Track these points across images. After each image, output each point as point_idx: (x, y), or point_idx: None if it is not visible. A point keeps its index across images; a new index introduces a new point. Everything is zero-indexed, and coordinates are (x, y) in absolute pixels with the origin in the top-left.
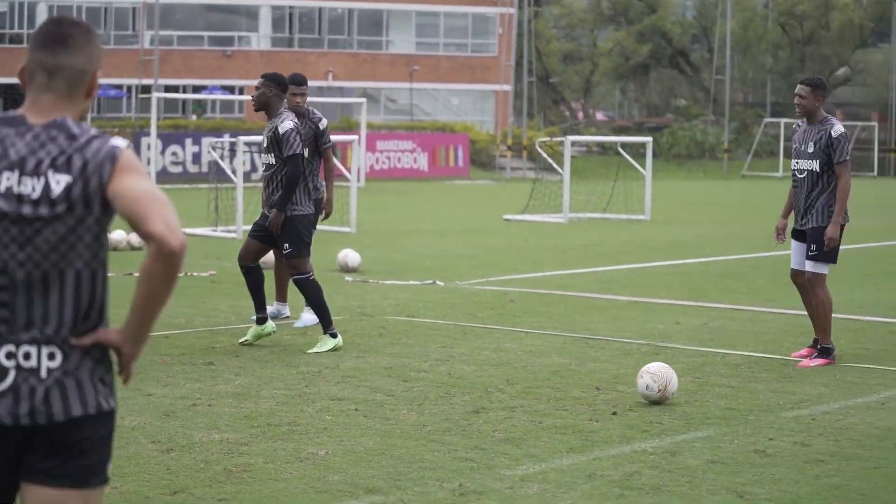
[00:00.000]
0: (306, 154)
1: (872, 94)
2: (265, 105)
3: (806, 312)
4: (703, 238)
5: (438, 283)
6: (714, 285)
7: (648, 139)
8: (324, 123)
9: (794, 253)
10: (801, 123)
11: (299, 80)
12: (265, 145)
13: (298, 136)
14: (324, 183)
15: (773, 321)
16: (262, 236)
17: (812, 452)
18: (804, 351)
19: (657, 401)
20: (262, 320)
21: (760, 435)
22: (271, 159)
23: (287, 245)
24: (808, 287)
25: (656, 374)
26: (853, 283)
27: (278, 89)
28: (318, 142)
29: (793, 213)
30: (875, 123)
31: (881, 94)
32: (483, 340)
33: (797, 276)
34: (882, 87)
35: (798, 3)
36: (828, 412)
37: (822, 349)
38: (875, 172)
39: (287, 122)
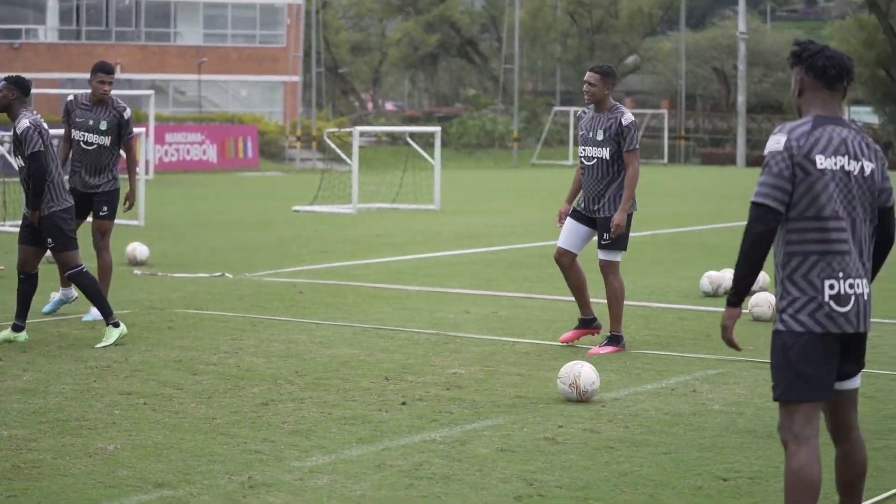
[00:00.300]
0: (107, 143)
1: (662, 82)
2: (7, 107)
3: (572, 287)
4: (492, 227)
5: (228, 275)
6: (503, 274)
7: (437, 129)
8: (128, 113)
9: (566, 232)
10: (587, 110)
11: (108, 69)
12: (12, 148)
13: (37, 134)
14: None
15: (563, 309)
16: (31, 238)
17: (602, 439)
18: (573, 333)
19: (578, 399)
20: (17, 328)
21: (550, 423)
22: (20, 161)
23: (50, 241)
24: (574, 263)
25: (562, 374)
26: (643, 271)
27: (20, 92)
28: (121, 131)
29: (578, 197)
30: (665, 111)
31: (670, 82)
32: (272, 332)
33: (563, 255)
34: (671, 74)
35: None
36: (617, 399)
37: (613, 337)
38: (665, 160)
39: (23, 122)
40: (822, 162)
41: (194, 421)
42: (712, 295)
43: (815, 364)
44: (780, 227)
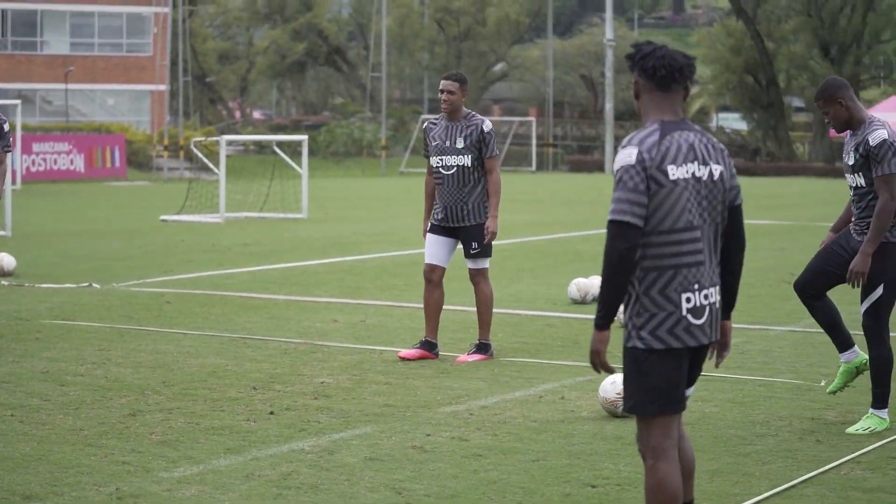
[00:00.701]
0: None
1: (530, 90)
2: None
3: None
4: (360, 235)
5: (95, 285)
6: (371, 282)
7: (304, 138)
8: (7, 126)
9: (432, 247)
10: (437, 120)
11: None
12: None
13: None
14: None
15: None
16: None
17: (470, 447)
18: (414, 351)
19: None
20: None
21: (418, 431)
22: None
23: None
24: (442, 282)
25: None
26: (511, 278)
27: None
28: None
29: (435, 209)
30: (533, 119)
31: (538, 90)
32: (140, 342)
33: (433, 270)
34: (539, 82)
35: (454, 0)
36: (486, 406)
37: (481, 345)
38: (534, 167)
39: None
40: (674, 172)
41: (62, 432)
42: (580, 302)
43: (670, 378)
44: None
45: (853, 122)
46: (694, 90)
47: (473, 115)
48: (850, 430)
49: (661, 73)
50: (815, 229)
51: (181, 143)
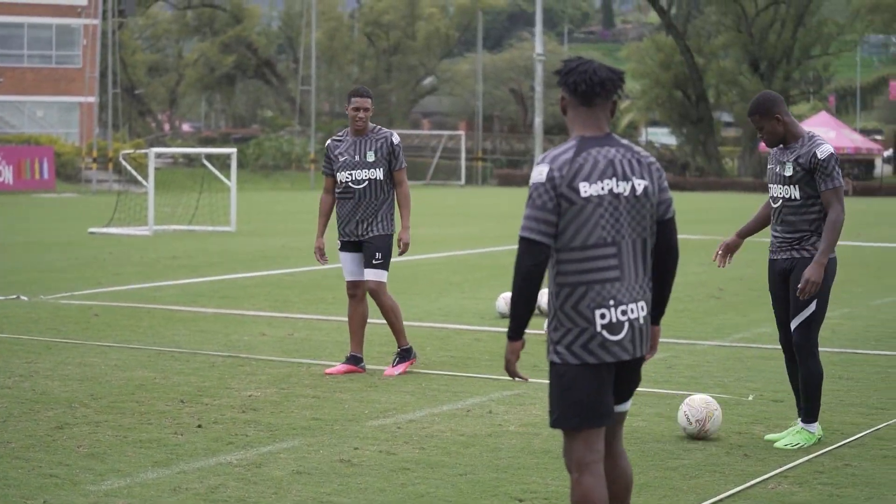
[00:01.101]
0: None
1: (459, 104)
2: None
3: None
4: (288, 248)
5: (23, 297)
6: (299, 296)
7: (233, 150)
8: None
9: (348, 264)
10: (342, 136)
11: None
12: None
13: None
14: None
15: None
16: None
17: (398, 461)
18: (340, 367)
19: (696, 436)
20: None
21: (346, 444)
22: None
23: None
24: (366, 297)
25: (695, 407)
26: (439, 292)
27: None
28: None
29: (340, 229)
30: (462, 132)
31: (468, 104)
32: (68, 355)
33: (357, 287)
34: (469, 96)
35: (384, 13)
36: (413, 420)
37: (402, 351)
38: (463, 181)
39: None
40: (586, 190)
41: None
42: (508, 316)
43: (591, 392)
44: (550, 258)
45: (787, 137)
46: (623, 105)
47: (380, 129)
48: (779, 444)
49: (581, 88)
50: (744, 244)
51: (110, 156)
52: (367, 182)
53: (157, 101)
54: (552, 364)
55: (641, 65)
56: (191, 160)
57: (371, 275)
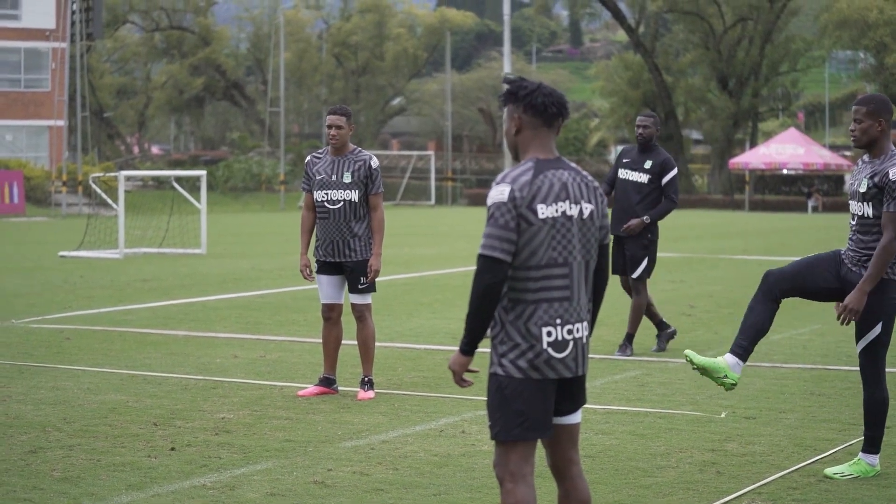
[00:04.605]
0: None
1: (428, 124)
2: None
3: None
4: (259, 270)
5: None
6: (270, 318)
7: (202, 173)
8: None
9: (326, 287)
10: (321, 154)
11: None
12: None
13: None
14: None
15: None
16: None
17: (372, 481)
18: (313, 389)
19: None
20: None
21: (319, 466)
22: None
23: None
24: (340, 319)
25: None
26: (410, 312)
27: None
28: None
29: (316, 245)
30: (431, 153)
31: (437, 124)
32: (40, 379)
33: (332, 309)
34: (438, 116)
35: (352, 34)
36: (386, 441)
37: (371, 381)
38: (433, 201)
39: None
40: (543, 211)
41: None
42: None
43: (531, 405)
44: None
45: (876, 147)
46: (592, 123)
47: (360, 151)
48: (830, 471)
49: (552, 111)
50: (714, 261)
51: (80, 179)
52: (342, 203)
53: (126, 123)
54: (494, 375)
55: (610, 83)
56: (160, 183)
57: (358, 299)
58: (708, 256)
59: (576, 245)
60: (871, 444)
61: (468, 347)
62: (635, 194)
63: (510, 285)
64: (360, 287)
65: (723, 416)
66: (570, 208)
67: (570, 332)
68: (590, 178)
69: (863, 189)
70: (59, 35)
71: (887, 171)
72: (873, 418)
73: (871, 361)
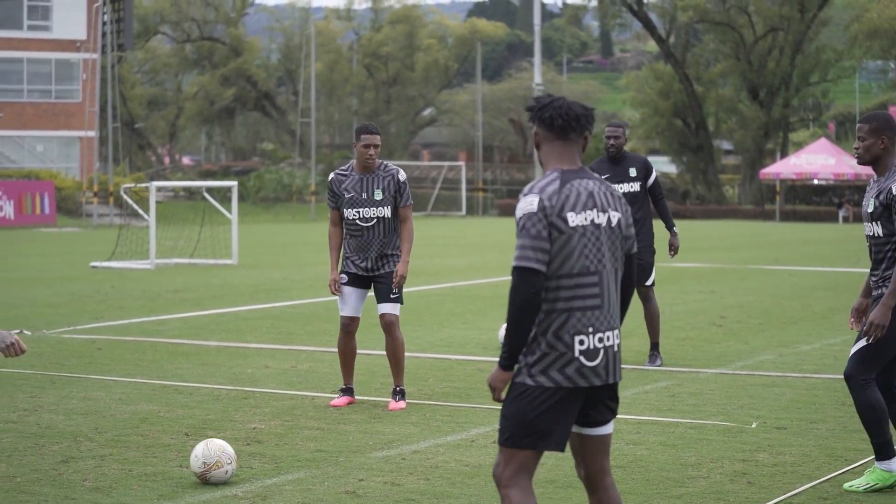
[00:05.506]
0: None
1: (459, 134)
2: None
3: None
4: (290, 281)
5: (26, 332)
6: (302, 328)
7: (234, 183)
8: None
9: (352, 300)
10: (347, 172)
11: None
12: None
13: None
14: None
15: (361, 362)
16: None
17: (403, 491)
18: (344, 399)
19: (198, 476)
20: None
21: (351, 476)
22: None
23: None
24: (355, 334)
25: (211, 450)
26: (441, 323)
27: None
28: None
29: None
30: (462, 163)
31: (468, 134)
32: (72, 389)
33: (353, 322)
34: (468, 126)
35: (383, 45)
36: (418, 451)
37: (403, 391)
38: (464, 212)
39: None
40: (573, 219)
41: None
42: None
43: (549, 418)
44: None
45: (880, 164)
46: None
47: (387, 165)
48: (848, 486)
49: (558, 123)
50: (745, 272)
51: (111, 190)
52: (375, 220)
53: (157, 134)
54: (521, 384)
55: (640, 93)
56: (191, 193)
57: (389, 308)
58: (739, 267)
59: (605, 253)
60: (881, 451)
61: (508, 362)
62: (633, 205)
63: (543, 296)
64: (392, 296)
65: (753, 426)
66: (598, 216)
67: (601, 340)
68: (613, 187)
69: (870, 209)
70: (91, 46)
71: (890, 188)
72: (870, 426)
73: (854, 369)
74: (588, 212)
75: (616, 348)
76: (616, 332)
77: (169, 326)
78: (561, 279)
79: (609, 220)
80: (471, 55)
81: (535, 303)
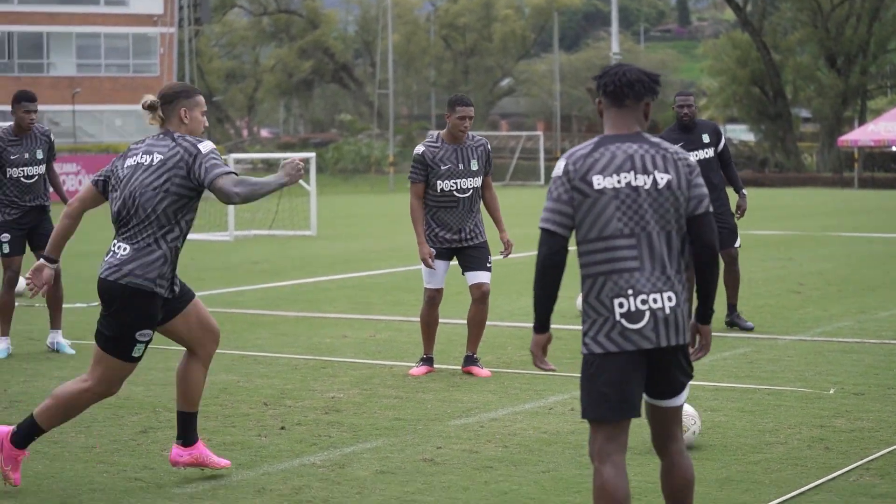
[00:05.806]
0: (43, 170)
1: (537, 104)
2: None
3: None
4: (369, 252)
5: None
6: (381, 298)
7: (312, 155)
8: (52, 136)
9: (441, 273)
10: (435, 144)
11: (32, 97)
12: None
13: None
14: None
15: (440, 331)
16: None
17: (481, 459)
18: (423, 368)
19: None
20: None
21: (429, 444)
22: None
23: None
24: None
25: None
26: (518, 292)
27: None
28: (51, 153)
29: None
30: (540, 133)
31: (545, 104)
32: (151, 360)
33: (438, 293)
34: (546, 96)
35: (460, 16)
36: (496, 419)
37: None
38: (542, 181)
39: None
40: (599, 182)
41: (74, 450)
42: None
43: (614, 384)
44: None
45: None
46: (701, 102)
47: (474, 136)
48: None
49: (610, 89)
50: (824, 239)
51: None
52: (471, 191)
53: (235, 107)
54: (583, 355)
55: (718, 62)
56: (270, 165)
57: (486, 277)
58: (817, 234)
59: (648, 215)
60: None
61: (538, 324)
62: (709, 172)
63: (581, 261)
64: (488, 265)
65: (831, 392)
66: (637, 178)
67: (644, 301)
68: (673, 150)
69: None
70: (168, 20)
71: None
72: None
73: None
74: (624, 174)
75: (668, 311)
76: (668, 294)
77: (247, 297)
78: (593, 242)
79: (655, 182)
80: (548, 25)
81: (553, 263)
